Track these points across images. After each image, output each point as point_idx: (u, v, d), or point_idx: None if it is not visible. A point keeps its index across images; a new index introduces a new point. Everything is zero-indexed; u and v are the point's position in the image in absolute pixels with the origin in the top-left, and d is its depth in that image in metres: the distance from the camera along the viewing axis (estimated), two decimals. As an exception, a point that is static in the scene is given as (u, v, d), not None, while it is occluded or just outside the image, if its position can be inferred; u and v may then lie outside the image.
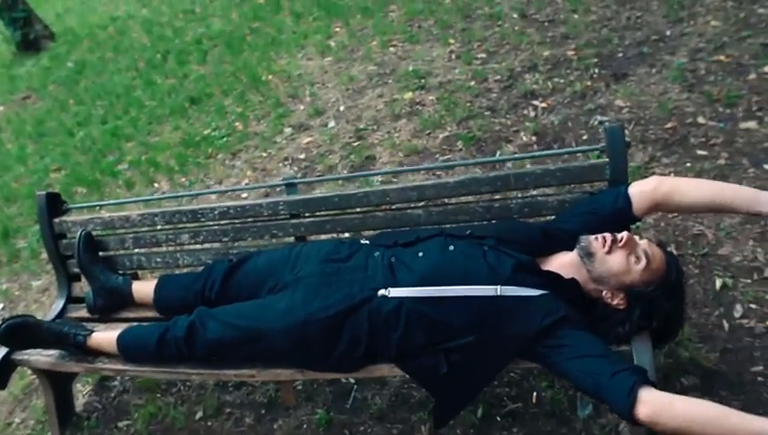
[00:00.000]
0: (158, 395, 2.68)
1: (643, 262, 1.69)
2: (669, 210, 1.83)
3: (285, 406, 2.45)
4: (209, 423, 2.50)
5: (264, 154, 4.22)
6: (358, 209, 2.20)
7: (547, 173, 1.99)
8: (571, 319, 1.66)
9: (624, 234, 1.71)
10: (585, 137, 3.46)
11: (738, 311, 2.36)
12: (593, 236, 1.74)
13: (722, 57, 3.71)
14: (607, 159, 1.93)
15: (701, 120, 3.31)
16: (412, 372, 1.85)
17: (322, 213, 2.24)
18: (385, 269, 1.84)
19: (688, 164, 3.07)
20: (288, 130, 4.38)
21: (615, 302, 1.73)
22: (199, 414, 2.55)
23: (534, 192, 2.27)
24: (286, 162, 4.06)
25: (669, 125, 3.33)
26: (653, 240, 1.80)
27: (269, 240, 2.34)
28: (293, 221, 2.26)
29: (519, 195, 2.12)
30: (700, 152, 3.12)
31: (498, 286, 1.70)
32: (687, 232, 2.73)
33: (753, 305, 2.36)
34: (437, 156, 3.63)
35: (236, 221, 2.32)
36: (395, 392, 2.38)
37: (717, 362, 2.21)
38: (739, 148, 3.08)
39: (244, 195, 3.81)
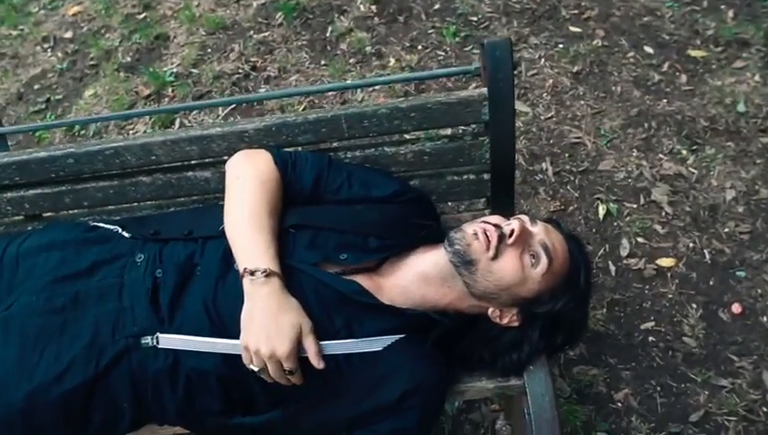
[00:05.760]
0: None
1: (543, 263, 1.12)
2: None
3: None
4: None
5: (14, 32, 3.06)
6: (109, 173, 1.40)
7: (396, 113, 1.30)
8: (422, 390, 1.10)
9: (514, 225, 1.11)
10: (437, 6, 2.75)
11: (625, 247, 1.95)
12: (471, 231, 1.13)
13: None
14: (485, 91, 1.28)
15: (572, -17, 2.72)
16: (209, 434, 1.25)
17: (57, 180, 1.41)
18: (149, 296, 1.14)
19: (561, 46, 2.50)
20: (47, -5, 3.21)
21: (505, 321, 1.17)
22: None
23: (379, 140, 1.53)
24: (46, 45, 2.97)
25: (536, -10, 2.70)
26: (550, 220, 1.22)
27: (-22, 224, 1.49)
28: (10, 195, 1.42)
29: (356, 144, 1.43)
30: (573, 29, 2.55)
31: None
32: (563, 140, 2.23)
33: (640, 239, 1.96)
34: (251, 34, 2.77)
35: None
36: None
37: (604, 320, 1.82)
38: (616, 23, 2.55)
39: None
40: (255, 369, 1.04)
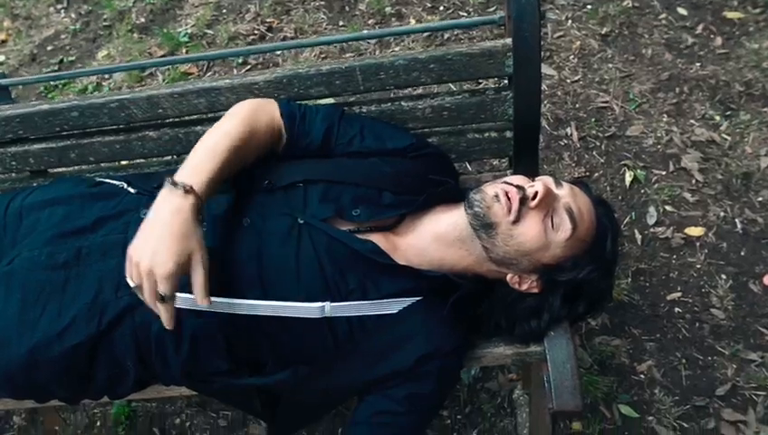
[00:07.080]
0: None
1: (567, 228, 1.05)
2: None
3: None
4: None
5: (28, -8, 3.02)
6: (115, 127, 1.35)
7: (415, 65, 1.23)
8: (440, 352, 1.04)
9: (538, 187, 1.04)
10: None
11: (652, 216, 1.87)
12: (491, 193, 1.06)
13: None
14: (509, 42, 1.20)
15: (602, -60, 2.59)
16: (215, 395, 1.22)
17: (62, 135, 1.37)
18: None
19: (589, 6, 2.40)
20: (61, -46, 3.14)
21: (524, 287, 1.11)
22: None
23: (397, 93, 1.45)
24: (59, 6, 2.92)
25: (564, -51, 2.58)
26: (577, 182, 1.15)
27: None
28: (14, 149, 1.38)
29: (372, 98, 1.37)
30: (602, -10, 2.44)
31: (327, 303, 1.02)
32: (590, 104, 2.13)
33: (668, 207, 1.88)
34: (269, -5, 2.69)
35: None
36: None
37: (629, 289, 1.75)
38: (648, -18, 2.43)
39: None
40: (132, 284, 0.95)
